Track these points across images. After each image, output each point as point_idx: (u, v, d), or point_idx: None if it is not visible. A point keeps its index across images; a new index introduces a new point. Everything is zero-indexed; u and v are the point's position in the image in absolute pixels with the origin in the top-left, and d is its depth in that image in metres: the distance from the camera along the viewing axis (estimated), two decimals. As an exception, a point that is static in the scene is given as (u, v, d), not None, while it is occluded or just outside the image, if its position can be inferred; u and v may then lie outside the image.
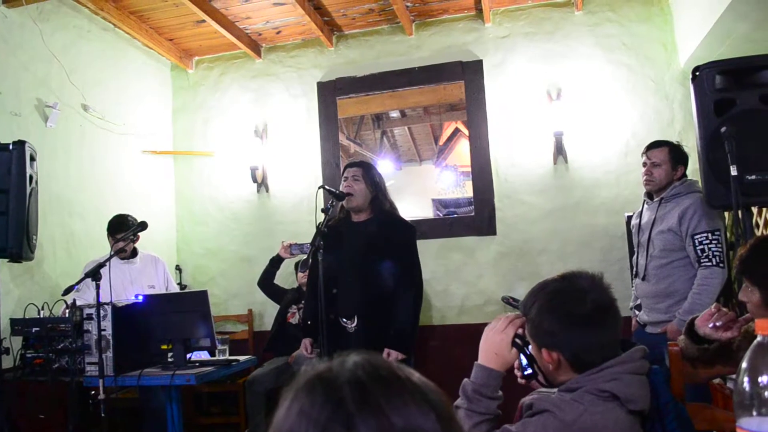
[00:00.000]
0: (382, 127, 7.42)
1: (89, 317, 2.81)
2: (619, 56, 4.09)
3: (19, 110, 3.39)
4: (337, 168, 4.42)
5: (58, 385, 2.83)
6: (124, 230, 3.31)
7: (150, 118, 4.56)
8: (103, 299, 2.75)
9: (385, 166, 7.05)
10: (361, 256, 2.89)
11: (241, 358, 3.29)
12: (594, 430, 1.13)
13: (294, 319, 4.02)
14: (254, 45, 4.61)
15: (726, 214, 3.01)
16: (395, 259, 2.90)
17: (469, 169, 4.36)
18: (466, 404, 1.30)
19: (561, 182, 4.12)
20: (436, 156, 7.77)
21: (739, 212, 2.43)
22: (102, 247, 3.48)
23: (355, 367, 0.60)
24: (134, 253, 3.50)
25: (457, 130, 7.17)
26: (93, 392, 2.83)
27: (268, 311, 4.45)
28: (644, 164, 2.97)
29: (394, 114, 7.05)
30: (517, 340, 1.30)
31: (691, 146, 2.99)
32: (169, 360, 2.97)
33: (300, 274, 3.98)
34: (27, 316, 2.89)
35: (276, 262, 4.05)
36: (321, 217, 2.91)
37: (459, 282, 4.23)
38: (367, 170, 3.01)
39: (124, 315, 2.88)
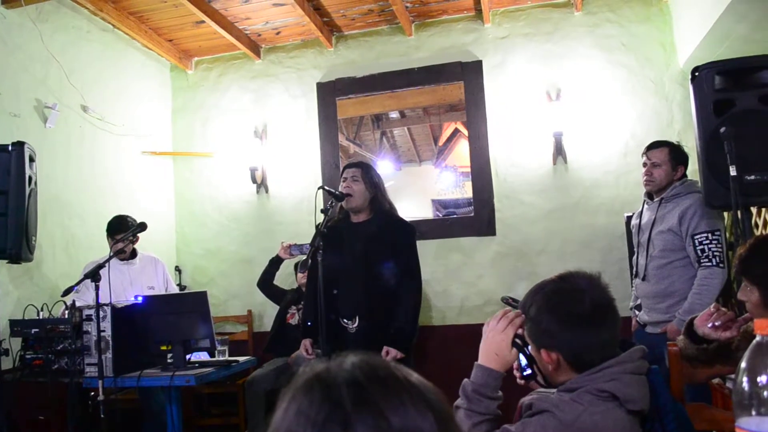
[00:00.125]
0: (381, 128, 7.43)
1: (89, 318, 2.81)
2: (618, 57, 4.09)
3: (18, 111, 3.39)
4: (336, 169, 4.42)
5: (57, 386, 2.82)
6: (123, 231, 3.30)
7: (149, 119, 4.55)
8: (102, 300, 2.75)
9: (384, 167, 7.06)
10: (362, 257, 2.89)
11: (241, 358, 3.29)
12: (593, 430, 1.13)
13: (294, 319, 4.01)
14: (254, 46, 4.61)
15: (725, 214, 3.01)
16: (395, 260, 2.90)
17: (469, 170, 4.37)
18: (466, 404, 1.30)
19: (560, 182, 4.12)
20: (436, 156, 7.78)
21: (739, 212, 2.43)
22: (101, 248, 3.47)
23: (352, 367, 0.60)
24: (134, 254, 3.50)
25: (456, 131, 7.18)
26: (92, 393, 2.83)
27: (267, 312, 4.45)
28: (644, 164, 2.97)
29: (394, 114, 7.05)
30: (517, 341, 1.30)
31: (691, 146, 2.99)
32: (169, 361, 2.97)
33: (299, 275, 3.99)
34: (26, 317, 2.88)
35: (275, 263, 4.06)
36: (320, 217, 2.91)
37: (459, 282, 4.23)
38: (366, 171, 3.01)
39: (123, 316, 2.88)
